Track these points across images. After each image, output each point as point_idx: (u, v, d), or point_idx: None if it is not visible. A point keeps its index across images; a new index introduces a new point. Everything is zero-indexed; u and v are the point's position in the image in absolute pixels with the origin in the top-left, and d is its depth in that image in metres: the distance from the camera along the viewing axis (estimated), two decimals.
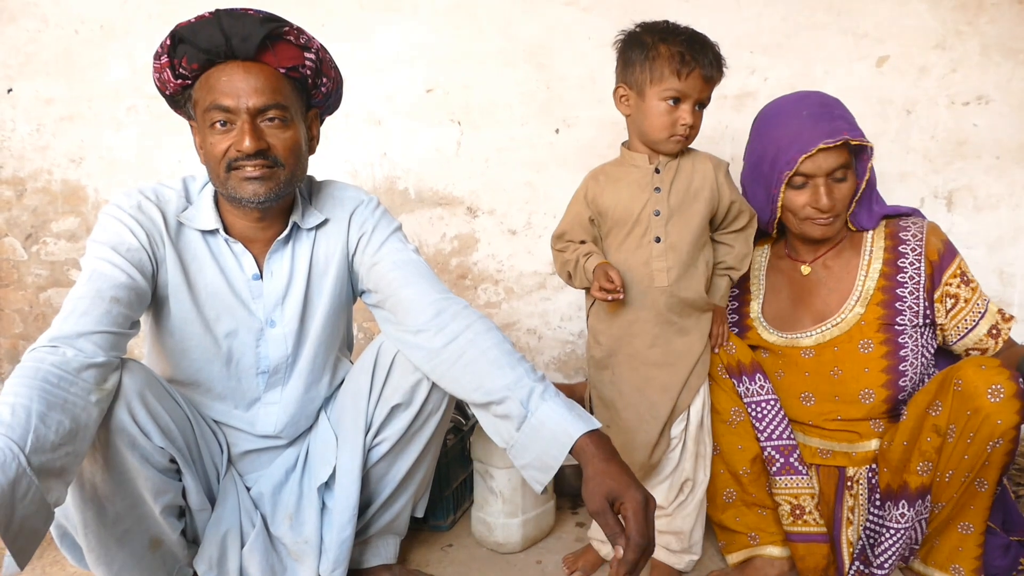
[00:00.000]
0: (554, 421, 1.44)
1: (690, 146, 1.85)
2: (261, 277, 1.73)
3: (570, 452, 1.42)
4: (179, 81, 1.58)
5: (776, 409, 1.90)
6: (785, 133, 1.80)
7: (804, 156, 1.75)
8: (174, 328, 1.70)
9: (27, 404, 1.23)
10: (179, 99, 1.65)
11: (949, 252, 1.85)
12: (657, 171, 1.80)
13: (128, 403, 1.49)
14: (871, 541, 1.81)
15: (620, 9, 2.67)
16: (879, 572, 1.77)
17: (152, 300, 1.66)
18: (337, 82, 1.74)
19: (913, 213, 1.95)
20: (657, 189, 1.80)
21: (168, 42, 1.55)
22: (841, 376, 1.86)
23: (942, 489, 1.72)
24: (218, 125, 1.57)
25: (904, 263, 1.85)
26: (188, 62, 1.55)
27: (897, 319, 1.83)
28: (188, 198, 1.72)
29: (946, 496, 1.72)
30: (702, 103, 1.75)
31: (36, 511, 1.19)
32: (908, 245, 1.86)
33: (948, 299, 1.84)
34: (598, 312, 1.88)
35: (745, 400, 1.91)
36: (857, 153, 1.83)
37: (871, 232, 1.91)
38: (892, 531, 1.75)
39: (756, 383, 1.91)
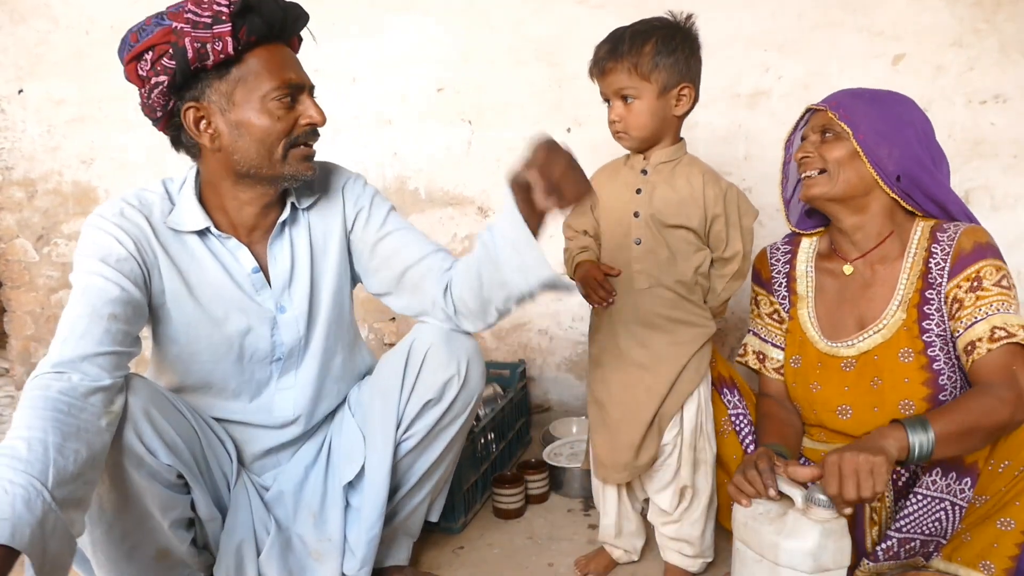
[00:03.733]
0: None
1: (695, 158, 1.81)
2: (260, 268, 1.71)
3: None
4: (228, 53, 1.50)
5: (750, 427, 1.91)
6: None
7: (804, 112, 1.85)
8: (178, 334, 1.67)
9: (42, 437, 1.22)
10: (197, 78, 1.54)
11: (976, 253, 1.71)
12: (644, 172, 1.78)
13: (134, 422, 1.47)
14: (894, 512, 1.75)
15: (631, 7, 2.61)
16: (896, 535, 1.68)
17: (149, 310, 1.63)
18: None
19: (973, 221, 1.81)
20: (638, 191, 1.78)
21: (230, 9, 1.47)
22: (880, 386, 1.78)
23: (991, 480, 1.66)
24: (281, 102, 1.55)
25: (932, 264, 1.76)
26: (248, 33, 1.50)
27: (924, 323, 1.75)
28: (171, 200, 1.68)
29: (993, 488, 1.65)
30: (628, 95, 1.70)
31: (63, 545, 1.19)
32: (940, 245, 1.76)
33: (954, 303, 1.71)
34: (594, 310, 1.88)
35: (729, 411, 1.90)
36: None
37: (918, 232, 1.80)
38: (920, 497, 1.68)
39: (735, 396, 1.92)
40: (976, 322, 1.68)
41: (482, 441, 2.32)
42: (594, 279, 1.76)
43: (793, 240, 1.98)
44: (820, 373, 1.85)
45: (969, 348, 1.68)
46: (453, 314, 1.76)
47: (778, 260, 1.97)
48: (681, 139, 1.81)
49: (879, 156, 1.72)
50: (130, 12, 3.01)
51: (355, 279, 1.90)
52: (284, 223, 1.72)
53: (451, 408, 1.77)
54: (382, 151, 3.01)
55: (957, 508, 1.70)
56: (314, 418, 1.85)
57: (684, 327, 1.80)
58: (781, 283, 1.95)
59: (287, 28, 1.58)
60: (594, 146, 2.73)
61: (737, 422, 1.92)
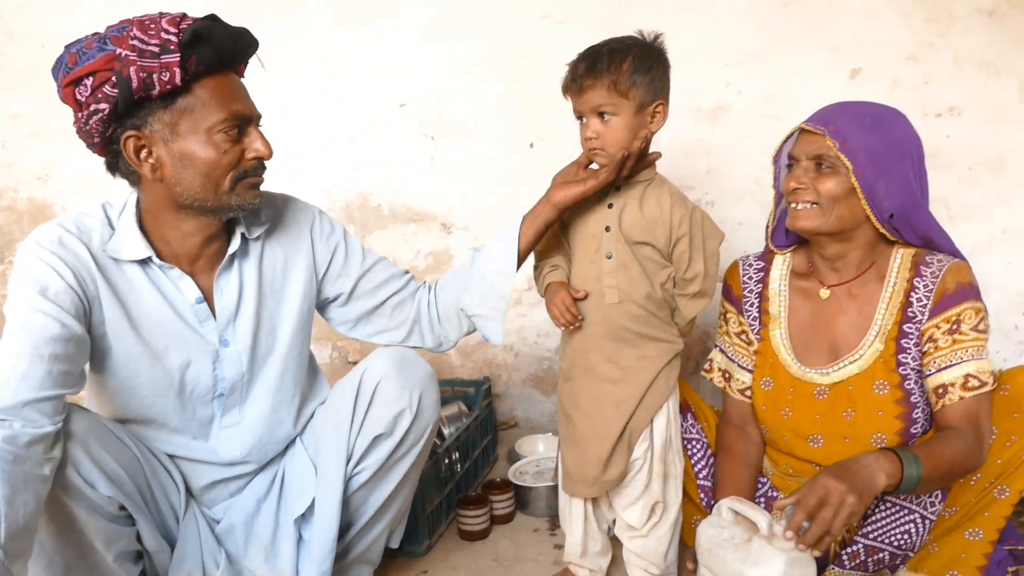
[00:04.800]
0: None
1: (665, 179, 1.81)
2: (204, 299, 1.66)
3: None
4: (175, 84, 1.44)
5: (705, 451, 1.92)
6: None
7: (789, 136, 1.76)
8: (117, 367, 1.60)
9: None
10: (139, 107, 1.47)
11: (959, 294, 1.67)
12: (617, 188, 1.78)
13: (71, 455, 1.41)
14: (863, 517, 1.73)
15: (595, 23, 2.66)
16: (863, 541, 1.69)
17: (91, 342, 1.57)
18: None
19: (956, 255, 1.77)
20: (610, 205, 1.77)
21: (179, 39, 1.41)
22: (854, 418, 1.75)
23: (962, 492, 1.67)
24: (227, 134, 1.51)
25: (914, 297, 1.72)
26: (197, 64, 1.44)
27: (901, 356, 1.72)
28: (111, 225, 1.61)
29: (963, 500, 1.67)
30: (606, 112, 1.68)
31: None
32: (923, 280, 1.71)
33: (929, 342, 1.69)
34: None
35: (683, 436, 1.90)
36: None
37: (898, 260, 1.76)
38: (890, 504, 1.68)
39: (688, 420, 1.91)
40: (950, 366, 1.65)
41: (446, 461, 2.29)
42: (562, 303, 1.76)
43: (766, 255, 1.93)
44: (792, 399, 1.82)
45: (940, 391, 1.66)
46: (437, 322, 1.88)
47: (750, 277, 1.92)
48: (659, 154, 1.80)
49: (875, 193, 1.65)
50: (86, 26, 2.97)
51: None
52: (233, 255, 1.67)
53: (404, 441, 1.73)
54: (345, 167, 2.98)
55: (927, 522, 1.70)
56: (267, 455, 1.80)
57: (652, 342, 1.79)
58: (753, 302, 1.91)
59: (237, 57, 1.54)
60: (558, 161, 2.73)
61: (689, 447, 1.91)
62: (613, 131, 1.69)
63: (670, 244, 1.78)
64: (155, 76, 1.41)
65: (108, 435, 1.53)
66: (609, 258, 1.76)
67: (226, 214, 1.60)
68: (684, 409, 1.94)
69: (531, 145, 2.84)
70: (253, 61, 1.64)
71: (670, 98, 1.75)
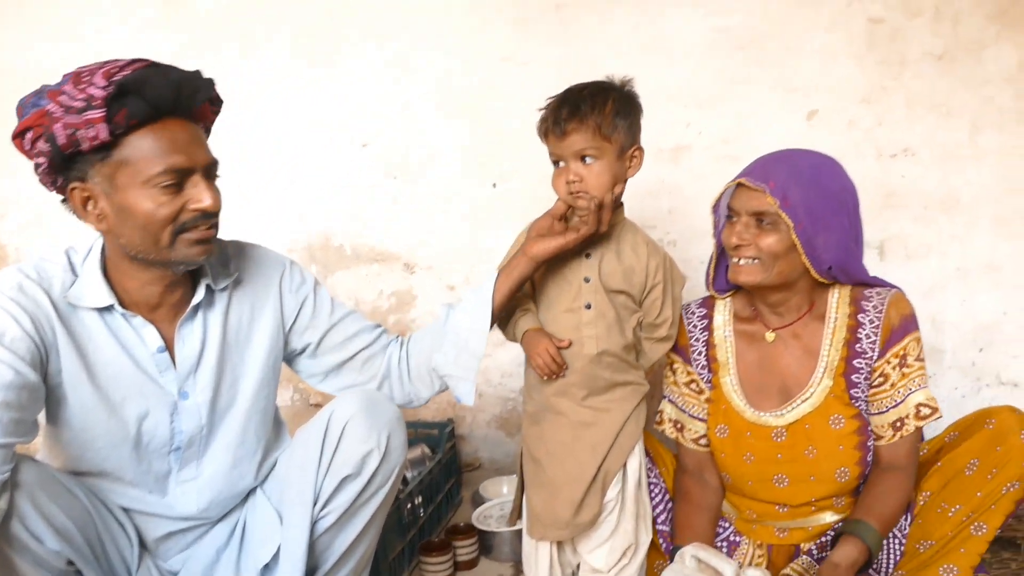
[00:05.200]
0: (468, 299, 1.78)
1: (635, 224, 1.82)
2: (167, 348, 1.61)
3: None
4: (101, 140, 1.40)
5: (664, 495, 1.91)
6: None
7: (727, 187, 1.74)
8: (73, 418, 1.54)
9: None
10: (76, 160, 1.44)
11: (902, 328, 1.74)
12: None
13: (18, 507, 1.36)
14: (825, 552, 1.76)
15: (556, 65, 2.68)
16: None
17: (45, 391, 1.51)
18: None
19: (889, 286, 1.83)
20: (588, 255, 1.76)
21: (107, 92, 1.37)
22: (816, 455, 1.76)
23: (939, 524, 1.68)
24: (165, 187, 1.44)
25: (862, 334, 1.76)
26: (128, 117, 1.39)
27: (853, 391, 1.76)
28: (74, 271, 1.57)
29: (940, 533, 1.68)
30: (588, 156, 1.67)
31: None
32: (867, 316, 1.76)
33: (879, 376, 1.75)
34: (529, 367, 1.85)
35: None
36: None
37: (836, 298, 1.79)
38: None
39: (647, 462, 1.89)
40: (903, 400, 1.72)
41: (409, 506, 2.25)
42: (546, 352, 1.72)
43: (707, 302, 1.93)
44: (752, 443, 1.82)
45: (898, 424, 1.72)
46: (407, 379, 1.83)
47: (695, 326, 1.91)
48: (621, 204, 1.79)
49: (815, 247, 1.67)
50: (37, 57, 2.93)
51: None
52: (196, 305, 1.62)
53: (371, 482, 1.68)
54: (306, 206, 2.95)
55: (896, 541, 1.74)
56: (225, 509, 1.74)
57: (622, 386, 1.79)
58: (700, 351, 1.90)
59: (181, 103, 1.46)
60: (520, 201, 2.75)
61: (649, 491, 1.89)
62: (596, 175, 1.67)
63: (644, 291, 1.79)
64: (80, 132, 1.38)
65: (58, 487, 1.47)
66: (588, 308, 1.75)
67: (175, 268, 1.54)
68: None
69: (494, 185, 2.84)
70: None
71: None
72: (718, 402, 1.87)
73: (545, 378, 1.76)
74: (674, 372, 1.95)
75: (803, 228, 1.65)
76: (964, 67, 2.61)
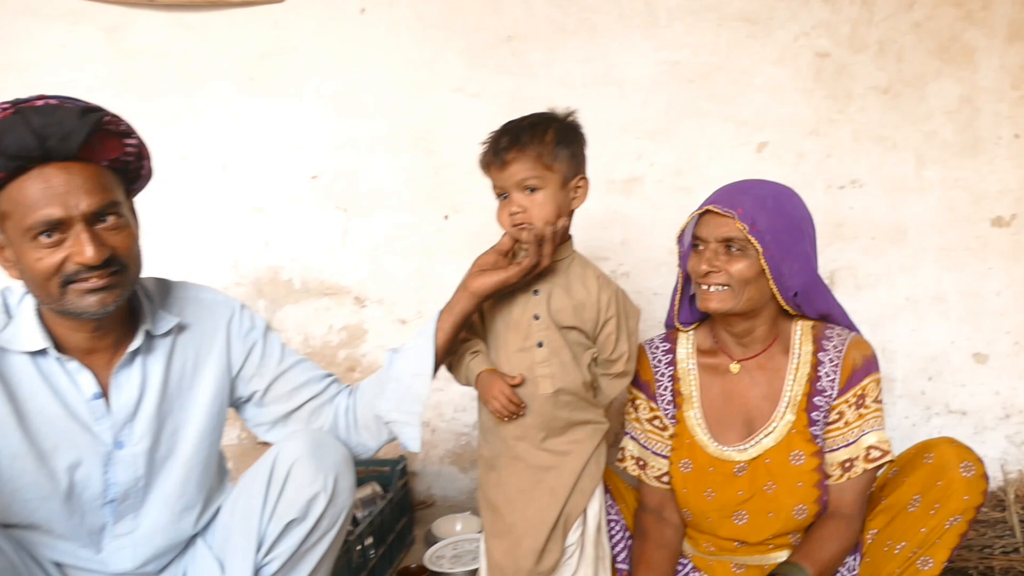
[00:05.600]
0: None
1: (585, 258, 1.79)
2: (103, 395, 1.53)
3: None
4: None
5: (624, 533, 1.87)
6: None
7: (694, 215, 1.72)
8: (0, 467, 1.47)
9: None
10: None
11: (864, 369, 1.74)
12: (541, 273, 1.72)
13: None
14: None
15: (507, 96, 2.68)
16: None
17: None
18: (150, 160, 1.56)
19: (851, 328, 1.85)
20: (536, 292, 1.73)
21: None
22: (775, 492, 1.74)
23: (886, 561, 1.67)
24: (43, 239, 1.36)
25: (822, 372, 1.76)
26: None
27: (813, 429, 1.75)
28: (9, 313, 1.50)
29: (887, 570, 1.67)
30: (532, 186, 1.64)
31: None
32: (828, 355, 1.76)
33: (836, 414, 1.75)
34: (486, 411, 1.79)
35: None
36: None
37: (799, 333, 1.80)
38: None
39: (607, 500, 1.86)
40: (855, 440, 1.72)
41: (359, 547, 2.17)
42: (502, 394, 1.68)
43: (670, 336, 1.92)
44: (714, 478, 1.79)
45: (847, 465, 1.72)
46: (354, 429, 1.77)
47: (660, 360, 1.89)
48: (570, 236, 1.77)
49: (782, 273, 1.68)
50: None
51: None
52: (134, 351, 1.55)
53: (317, 526, 1.62)
54: (254, 240, 2.88)
55: None
56: (163, 563, 1.66)
57: (581, 426, 1.75)
58: (666, 385, 1.88)
59: (54, 149, 1.35)
60: (472, 233, 2.73)
61: (609, 529, 1.86)
62: (539, 205, 1.64)
63: (597, 327, 1.75)
64: None
65: None
66: (541, 347, 1.70)
67: (79, 317, 1.45)
68: (602, 490, 1.87)
69: (445, 217, 2.81)
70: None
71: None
72: (682, 436, 1.84)
73: (505, 420, 1.71)
74: (636, 408, 1.92)
75: (771, 254, 1.65)
76: (908, 101, 2.67)
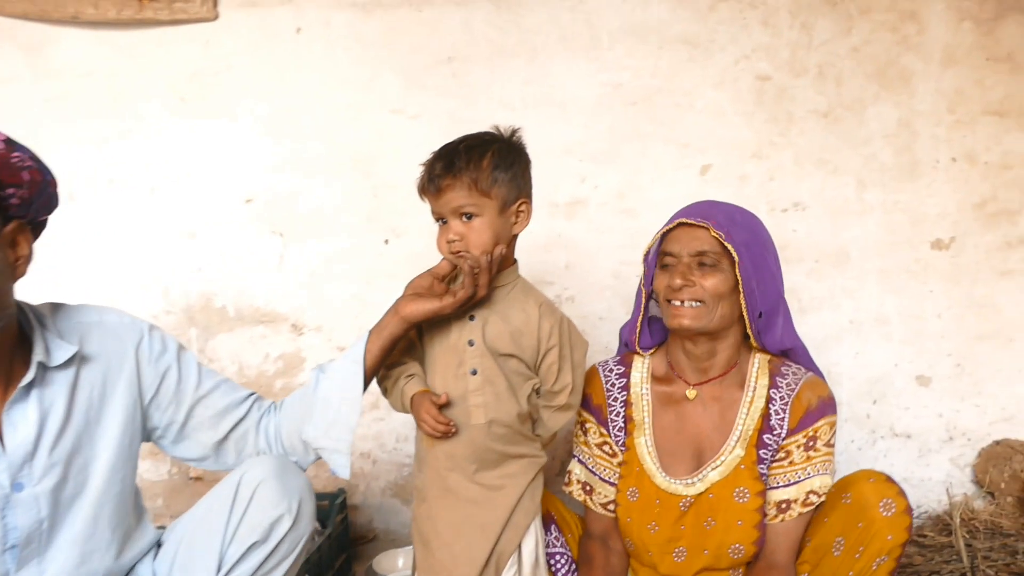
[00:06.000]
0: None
1: (530, 284, 1.74)
2: None
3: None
4: None
5: (570, 565, 1.81)
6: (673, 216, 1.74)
7: (665, 230, 1.68)
8: None
9: None
10: None
11: (818, 411, 1.69)
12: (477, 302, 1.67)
13: None
14: None
15: (448, 118, 2.63)
16: None
17: None
18: (38, 184, 1.45)
19: (810, 367, 1.81)
20: (472, 317, 1.66)
21: None
22: (714, 527, 1.70)
23: None
24: None
25: (772, 409, 1.72)
26: None
27: (762, 467, 1.72)
28: None
29: None
30: (468, 213, 1.58)
31: None
32: (780, 392, 1.72)
33: (782, 452, 1.71)
34: (420, 438, 1.72)
35: (547, 551, 1.78)
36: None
37: (756, 366, 1.76)
38: None
39: (552, 533, 1.81)
40: (798, 481, 1.68)
41: None
42: (428, 414, 1.61)
43: (625, 359, 1.87)
44: (659, 512, 1.75)
45: (784, 506, 1.68)
46: (281, 451, 1.71)
47: (613, 384, 1.85)
48: (515, 261, 1.72)
49: (752, 289, 1.66)
50: None
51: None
52: (28, 385, 1.43)
53: (277, 549, 1.55)
54: (185, 266, 2.77)
55: None
56: None
57: (516, 459, 1.69)
58: (618, 411, 1.83)
59: None
60: (413, 257, 2.63)
61: (553, 562, 1.80)
62: (477, 232, 1.59)
63: (538, 356, 1.69)
64: None
65: None
66: (474, 374, 1.64)
67: None
68: (547, 521, 1.82)
69: (386, 241, 2.74)
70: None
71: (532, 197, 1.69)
72: (631, 464, 1.80)
73: (438, 438, 1.64)
74: (586, 432, 1.87)
75: (744, 265, 1.63)
76: (848, 125, 2.70)
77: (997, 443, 2.76)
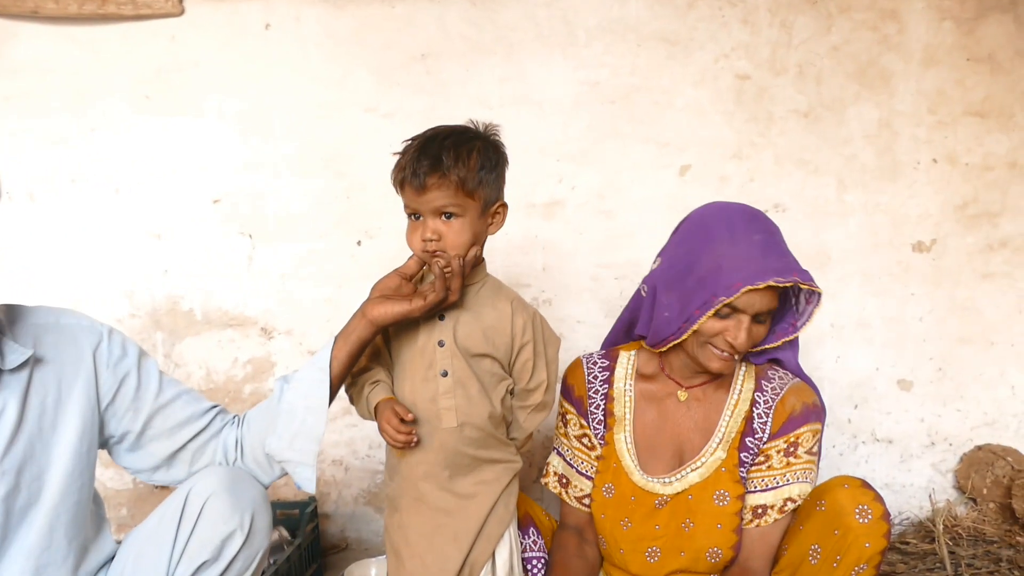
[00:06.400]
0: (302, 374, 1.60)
1: (499, 281, 1.69)
2: None
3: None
4: None
5: (547, 569, 1.77)
6: (732, 253, 1.56)
7: (749, 289, 1.53)
8: None
9: None
10: None
11: (801, 417, 1.67)
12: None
13: None
14: None
15: (423, 116, 2.53)
16: None
17: None
18: None
19: (798, 373, 1.78)
20: (442, 316, 1.60)
21: None
22: (692, 530, 1.67)
23: None
24: None
25: (756, 413, 1.70)
26: None
27: (743, 470, 1.69)
28: None
29: None
30: (451, 212, 1.52)
31: None
32: (764, 396, 1.70)
33: (762, 456, 1.68)
34: (390, 447, 1.66)
35: (524, 555, 1.73)
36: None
37: (743, 369, 1.74)
38: None
39: (531, 535, 1.76)
40: (776, 487, 1.66)
41: None
42: (388, 424, 1.54)
43: (610, 354, 1.84)
44: (633, 508, 1.72)
45: (760, 511, 1.66)
46: (242, 464, 1.65)
47: (595, 376, 1.82)
48: (482, 259, 1.66)
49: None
50: None
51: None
52: None
53: (230, 568, 1.49)
54: (151, 268, 2.69)
55: None
56: None
57: (490, 465, 1.63)
58: (598, 404, 1.80)
59: None
60: (386, 259, 2.57)
61: (531, 567, 1.75)
62: (456, 233, 1.52)
63: (512, 354, 1.64)
64: None
65: None
66: (445, 376, 1.58)
67: None
68: (525, 524, 1.77)
69: (358, 243, 2.67)
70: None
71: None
72: (609, 459, 1.77)
73: (399, 448, 1.58)
74: (566, 423, 1.85)
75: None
76: (828, 125, 2.66)
77: (979, 448, 2.73)
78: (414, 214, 1.56)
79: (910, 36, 2.64)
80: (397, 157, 1.57)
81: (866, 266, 2.70)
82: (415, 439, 1.55)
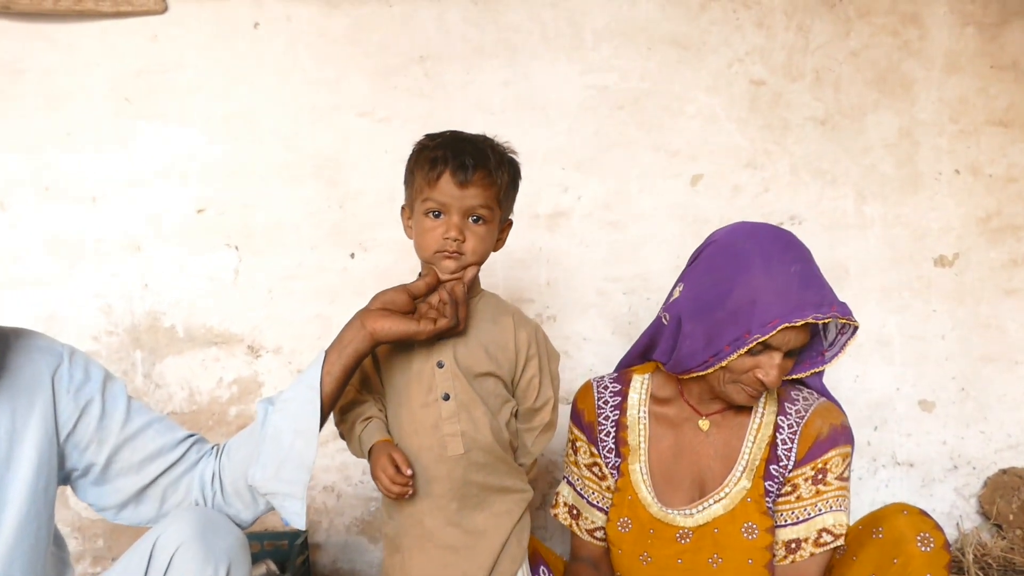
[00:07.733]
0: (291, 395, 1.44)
1: (495, 295, 1.60)
2: None
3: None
4: None
5: None
6: (768, 287, 1.47)
7: (786, 326, 1.45)
8: None
9: None
10: None
11: (829, 441, 1.57)
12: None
13: None
14: None
15: (419, 121, 2.46)
16: None
17: None
18: None
19: (823, 393, 1.69)
20: (439, 335, 1.49)
21: None
22: (721, 566, 1.57)
23: None
24: None
25: (780, 438, 1.60)
26: None
27: (768, 500, 1.60)
28: None
29: None
30: (480, 216, 1.45)
31: None
32: (788, 419, 1.61)
33: (789, 486, 1.59)
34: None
35: None
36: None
37: (764, 393, 1.62)
38: None
39: (541, 574, 1.65)
40: (808, 519, 1.57)
41: None
42: (383, 474, 1.44)
43: (622, 377, 1.73)
44: (652, 542, 1.61)
45: (793, 546, 1.57)
46: (222, 499, 1.50)
47: (606, 402, 1.71)
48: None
49: None
50: None
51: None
52: None
53: None
54: (130, 282, 2.56)
55: None
56: None
57: (500, 496, 1.52)
58: (609, 431, 1.69)
59: None
60: (381, 273, 2.48)
61: None
62: (480, 239, 1.46)
63: (516, 371, 1.53)
64: None
65: None
66: (447, 400, 1.46)
67: None
68: (535, 561, 1.65)
69: (351, 255, 2.55)
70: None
71: None
72: (624, 491, 1.66)
73: (393, 498, 1.47)
74: (576, 451, 1.74)
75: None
76: (847, 133, 2.59)
77: (1004, 472, 2.62)
78: (436, 211, 1.45)
79: (932, 42, 2.56)
80: (431, 145, 1.48)
81: (885, 281, 2.61)
82: (411, 491, 1.44)
